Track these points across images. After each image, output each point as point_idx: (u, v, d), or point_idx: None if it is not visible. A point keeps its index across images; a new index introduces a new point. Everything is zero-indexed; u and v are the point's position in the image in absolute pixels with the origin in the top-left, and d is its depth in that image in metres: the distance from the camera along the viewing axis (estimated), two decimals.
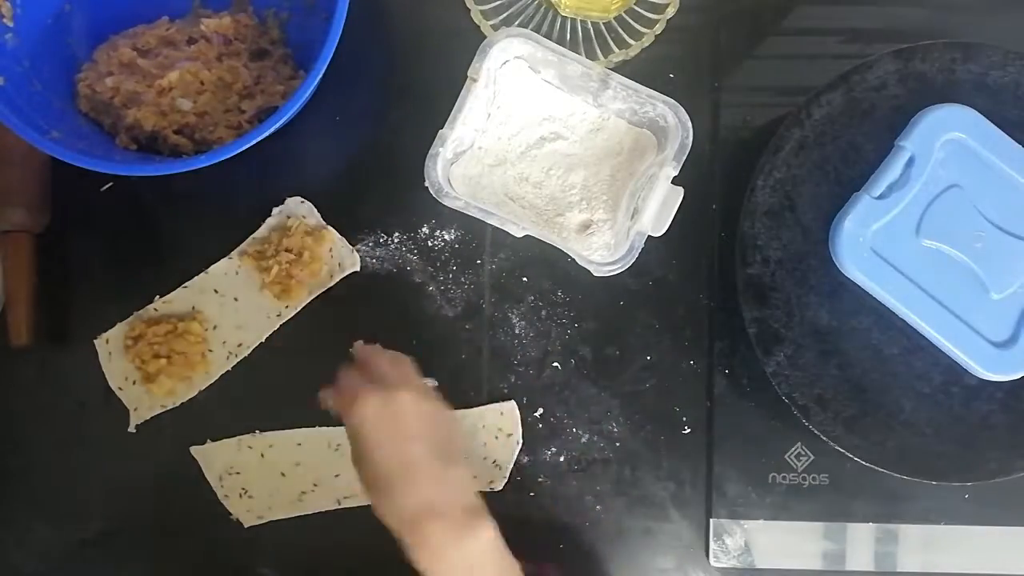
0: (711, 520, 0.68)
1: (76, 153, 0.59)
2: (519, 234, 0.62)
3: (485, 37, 0.64)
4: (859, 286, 0.60)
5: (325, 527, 0.68)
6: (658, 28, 0.68)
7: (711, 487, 0.68)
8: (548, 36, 0.67)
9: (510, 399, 0.68)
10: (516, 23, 0.70)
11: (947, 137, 0.60)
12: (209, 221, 0.70)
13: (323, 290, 0.68)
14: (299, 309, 0.68)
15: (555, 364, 0.69)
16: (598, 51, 0.69)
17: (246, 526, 0.68)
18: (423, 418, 0.53)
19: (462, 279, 0.69)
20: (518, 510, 0.68)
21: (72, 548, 0.68)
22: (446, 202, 0.62)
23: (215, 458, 0.67)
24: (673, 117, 0.63)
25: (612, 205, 0.66)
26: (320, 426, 0.68)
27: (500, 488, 0.67)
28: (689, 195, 0.62)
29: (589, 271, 0.62)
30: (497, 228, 0.62)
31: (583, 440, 0.68)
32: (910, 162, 0.60)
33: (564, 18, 0.70)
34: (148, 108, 0.64)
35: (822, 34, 0.70)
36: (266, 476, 0.67)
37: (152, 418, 0.68)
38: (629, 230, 0.62)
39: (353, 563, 0.67)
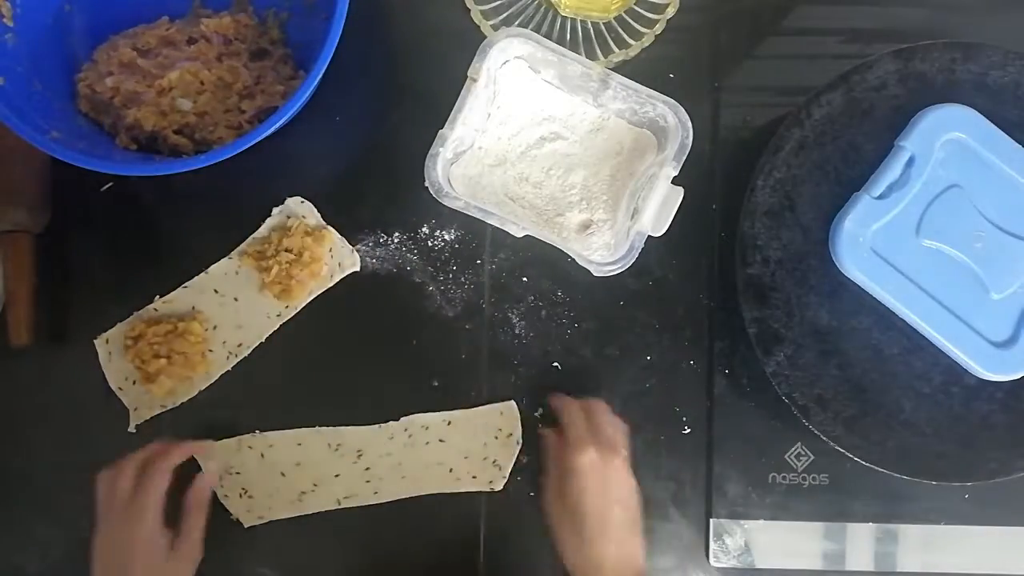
0: (711, 520, 0.68)
1: (76, 153, 0.59)
2: (519, 234, 0.62)
3: (485, 37, 0.64)
4: (859, 286, 0.60)
5: (325, 527, 0.68)
6: (658, 28, 0.68)
7: (711, 487, 0.68)
8: (548, 36, 0.67)
9: (510, 399, 0.68)
10: (516, 23, 0.70)
11: (947, 137, 0.60)
12: (209, 221, 0.70)
13: (323, 290, 0.68)
14: (299, 309, 0.68)
15: (555, 364, 0.69)
16: (598, 51, 0.69)
17: (246, 526, 0.68)
18: (626, 488, 0.61)
19: (462, 279, 0.69)
20: (518, 510, 0.68)
21: (72, 548, 0.68)
22: (446, 202, 0.62)
23: (215, 458, 0.67)
24: (673, 117, 0.62)
25: (612, 205, 0.66)
26: (320, 426, 0.68)
27: (500, 488, 0.67)
28: (689, 195, 0.62)
29: (589, 271, 0.62)
30: (497, 228, 0.62)
31: None
32: (910, 162, 0.60)
33: (564, 18, 0.70)
34: (148, 108, 0.64)
35: (822, 34, 0.70)
36: (266, 476, 0.67)
37: (152, 418, 0.68)
38: (629, 230, 0.62)
39: (353, 563, 0.67)
